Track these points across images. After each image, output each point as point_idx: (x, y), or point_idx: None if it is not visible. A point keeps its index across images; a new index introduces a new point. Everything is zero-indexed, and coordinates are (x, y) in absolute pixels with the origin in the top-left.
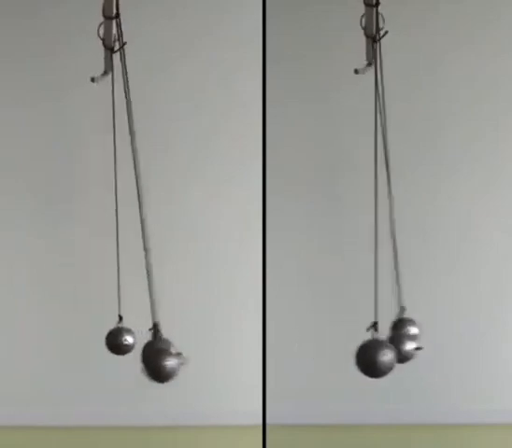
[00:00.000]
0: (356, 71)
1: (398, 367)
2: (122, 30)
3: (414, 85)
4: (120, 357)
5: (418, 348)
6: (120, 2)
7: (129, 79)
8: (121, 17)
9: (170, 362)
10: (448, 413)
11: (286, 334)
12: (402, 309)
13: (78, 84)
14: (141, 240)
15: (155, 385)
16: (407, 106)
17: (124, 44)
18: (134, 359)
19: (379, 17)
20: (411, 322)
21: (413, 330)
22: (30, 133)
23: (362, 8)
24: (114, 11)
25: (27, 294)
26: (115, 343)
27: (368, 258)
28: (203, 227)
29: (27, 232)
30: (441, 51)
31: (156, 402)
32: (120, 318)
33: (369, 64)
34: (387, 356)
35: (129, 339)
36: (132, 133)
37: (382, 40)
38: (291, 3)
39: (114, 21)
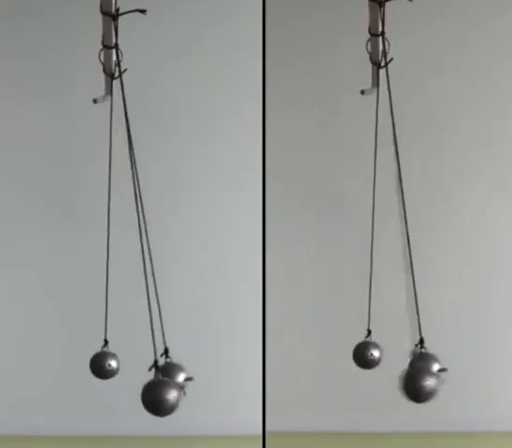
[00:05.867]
0: (362, 92)
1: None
2: (117, 32)
3: (419, 86)
4: (123, 367)
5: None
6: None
7: (128, 79)
8: (122, 17)
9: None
10: (452, 420)
11: (286, 343)
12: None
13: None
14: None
15: None
16: (413, 108)
17: (124, 71)
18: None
19: (385, 43)
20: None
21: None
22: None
23: (360, 7)
24: (113, 41)
25: (32, 303)
26: (99, 367)
27: (368, 261)
28: (203, 235)
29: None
30: (445, 54)
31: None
32: (106, 342)
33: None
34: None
35: (113, 363)
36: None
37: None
38: (291, 3)
39: (113, 50)
